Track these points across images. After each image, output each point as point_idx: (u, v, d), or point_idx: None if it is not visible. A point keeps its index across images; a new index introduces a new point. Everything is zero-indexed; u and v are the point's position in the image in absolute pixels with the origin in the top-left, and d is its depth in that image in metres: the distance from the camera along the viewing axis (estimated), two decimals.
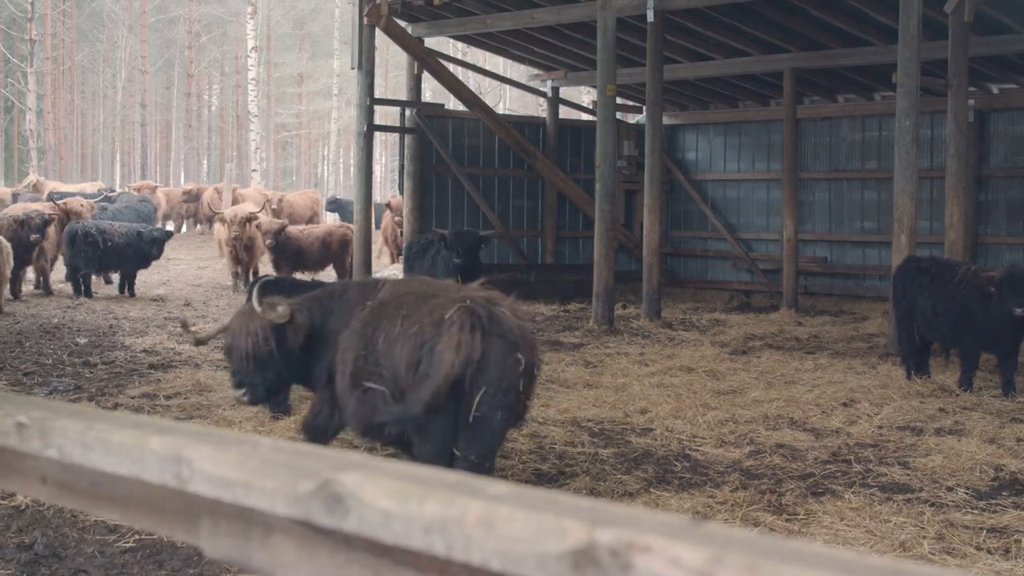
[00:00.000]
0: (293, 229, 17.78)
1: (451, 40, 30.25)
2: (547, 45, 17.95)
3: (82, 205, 18.42)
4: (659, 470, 6.93)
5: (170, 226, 32.02)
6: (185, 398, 9.03)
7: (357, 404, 5.51)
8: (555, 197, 18.70)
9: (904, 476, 6.79)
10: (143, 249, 16.45)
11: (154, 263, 17.33)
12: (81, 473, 1.81)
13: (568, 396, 9.32)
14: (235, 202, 29.18)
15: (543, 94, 19.69)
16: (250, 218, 17.10)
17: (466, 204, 18.05)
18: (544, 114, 19.63)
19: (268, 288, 8.71)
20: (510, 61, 23.39)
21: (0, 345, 11.57)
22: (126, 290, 16.69)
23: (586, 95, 28.69)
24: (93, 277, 16.91)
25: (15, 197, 27.54)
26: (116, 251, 16.28)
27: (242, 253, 17.16)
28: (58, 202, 17.96)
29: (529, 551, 1.26)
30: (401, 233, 18.65)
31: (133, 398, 8.96)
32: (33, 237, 15.44)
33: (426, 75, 17.90)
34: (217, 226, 17.13)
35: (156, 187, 33.24)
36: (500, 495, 1.36)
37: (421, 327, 5.30)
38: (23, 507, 5.85)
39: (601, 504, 1.33)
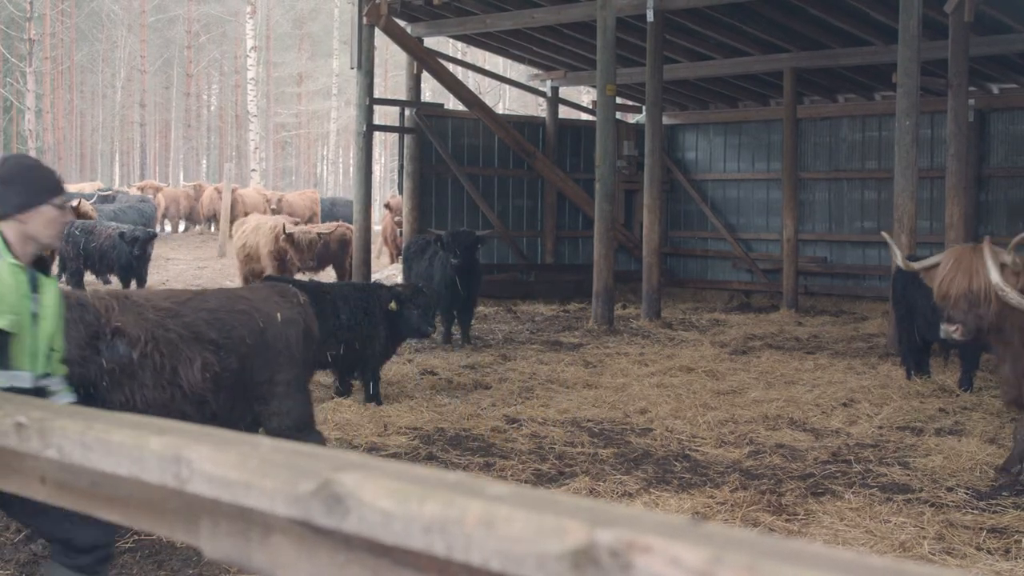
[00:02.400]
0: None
1: (451, 40, 30.25)
2: (547, 45, 17.95)
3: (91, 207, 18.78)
4: (659, 470, 6.93)
5: (168, 226, 32.06)
6: None
7: (221, 407, 5.47)
8: (555, 197, 18.70)
9: (904, 476, 6.80)
10: (124, 250, 16.16)
11: (153, 264, 17.25)
12: (81, 473, 1.81)
13: (568, 396, 9.32)
14: (235, 203, 29.19)
15: (543, 94, 19.69)
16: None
17: (466, 204, 18.05)
18: (544, 114, 19.62)
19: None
20: (510, 61, 23.38)
21: None
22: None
23: (586, 95, 28.69)
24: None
25: None
26: (100, 252, 16.18)
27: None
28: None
29: (529, 551, 1.26)
30: (401, 233, 18.62)
31: None
32: None
33: (426, 75, 17.89)
34: (260, 239, 15.14)
35: (161, 187, 33.31)
36: (500, 495, 1.35)
37: (286, 316, 5.75)
38: None
39: (601, 504, 1.33)
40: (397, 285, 9.86)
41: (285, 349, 5.65)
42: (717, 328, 14.23)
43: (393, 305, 8.87)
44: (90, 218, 17.69)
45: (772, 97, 18.52)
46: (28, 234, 3.81)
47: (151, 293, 5.81)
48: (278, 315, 5.68)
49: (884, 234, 8.97)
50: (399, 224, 19.77)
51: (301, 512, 1.47)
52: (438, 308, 12.17)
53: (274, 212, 30.47)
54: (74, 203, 18.37)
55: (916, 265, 7.22)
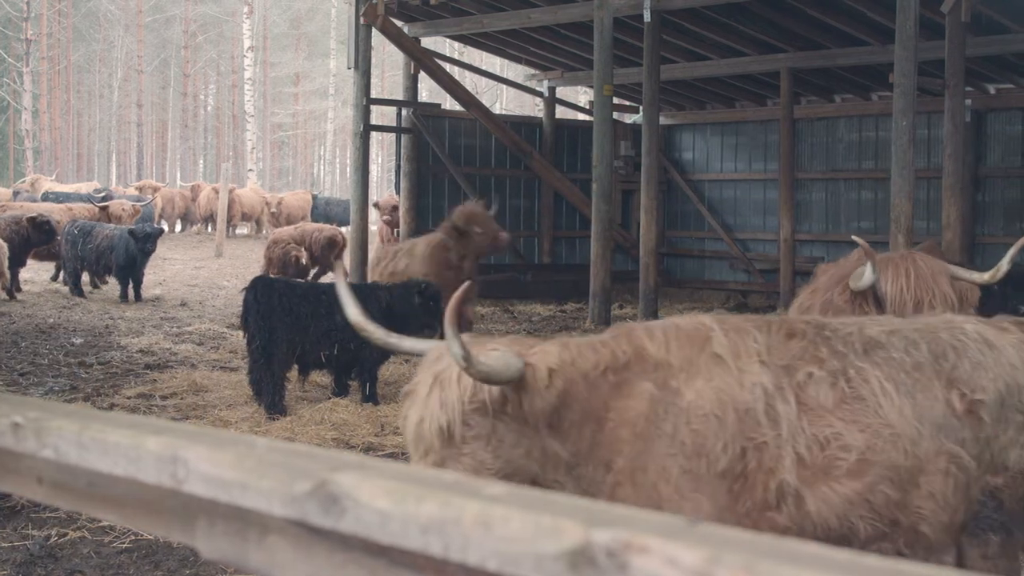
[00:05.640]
0: (288, 229, 17.76)
1: (448, 40, 30.26)
2: (544, 45, 17.95)
3: (123, 209, 19.42)
4: None
5: (165, 226, 32.07)
6: (181, 398, 9.03)
7: None
8: (552, 197, 18.70)
9: None
10: (131, 246, 15.67)
11: (151, 265, 17.08)
12: (77, 473, 1.81)
13: None
14: (232, 203, 29.19)
15: (540, 94, 19.68)
16: None
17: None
18: (541, 114, 19.63)
19: (265, 289, 8.73)
20: (506, 61, 23.39)
21: None
22: (130, 295, 15.86)
23: (583, 95, 28.69)
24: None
25: (15, 195, 27.68)
26: (97, 253, 15.94)
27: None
28: (97, 203, 18.72)
29: (526, 551, 1.26)
30: (397, 233, 18.63)
31: (129, 398, 8.95)
32: (58, 239, 15.81)
33: (423, 75, 17.89)
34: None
35: (159, 187, 33.30)
36: (497, 495, 1.35)
37: None
38: (18, 507, 5.84)
39: (598, 504, 1.33)
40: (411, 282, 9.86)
41: None
42: None
43: (417, 300, 9.04)
44: (121, 221, 18.36)
45: (769, 97, 18.53)
46: None
47: None
48: None
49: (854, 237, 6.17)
50: (387, 223, 19.80)
51: (298, 512, 1.47)
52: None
53: (274, 215, 30.49)
54: (101, 204, 19.35)
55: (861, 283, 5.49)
